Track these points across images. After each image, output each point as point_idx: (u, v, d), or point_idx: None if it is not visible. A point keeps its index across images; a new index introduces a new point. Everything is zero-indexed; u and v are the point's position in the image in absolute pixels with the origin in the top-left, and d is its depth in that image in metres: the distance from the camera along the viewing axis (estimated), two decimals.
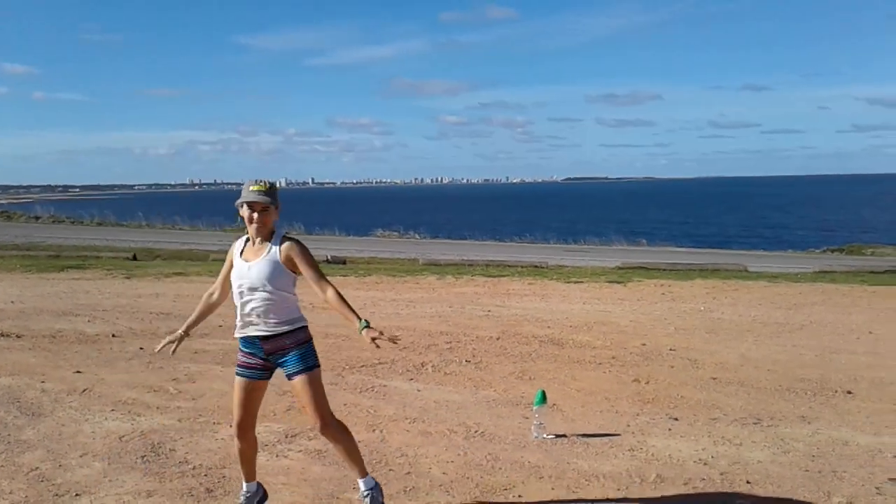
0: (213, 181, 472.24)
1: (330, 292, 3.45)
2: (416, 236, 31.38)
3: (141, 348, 7.46)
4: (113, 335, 8.05)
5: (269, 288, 3.46)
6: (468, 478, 4.36)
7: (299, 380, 3.51)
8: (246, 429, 3.63)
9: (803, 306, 11.38)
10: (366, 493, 3.73)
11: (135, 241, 21.54)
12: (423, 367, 7.08)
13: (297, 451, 4.74)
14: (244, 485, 3.83)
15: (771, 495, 4.16)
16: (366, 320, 3.39)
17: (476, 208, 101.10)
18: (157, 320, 8.97)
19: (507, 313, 10.21)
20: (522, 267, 16.77)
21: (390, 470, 4.46)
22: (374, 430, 5.17)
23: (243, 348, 3.59)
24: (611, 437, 5.13)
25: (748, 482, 4.33)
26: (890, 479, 4.46)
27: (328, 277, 3.53)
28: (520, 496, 4.11)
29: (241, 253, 3.57)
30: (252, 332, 3.53)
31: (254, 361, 3.56)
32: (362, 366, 7.03)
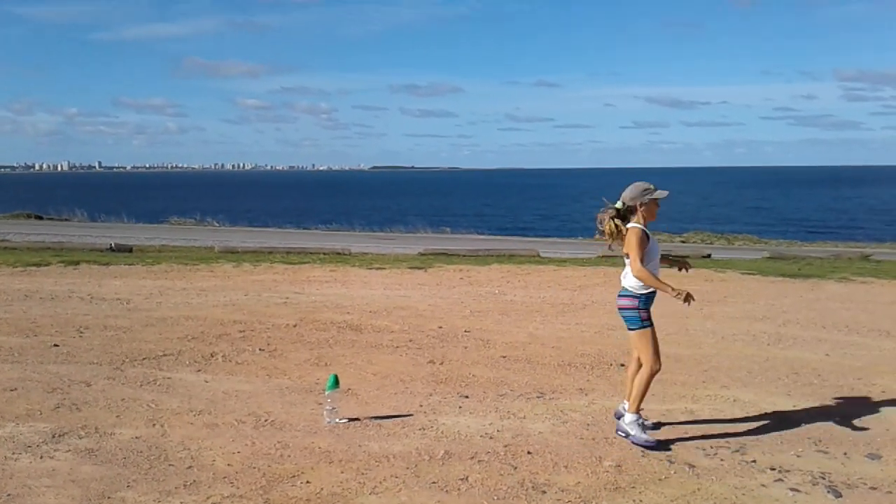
0: None
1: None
2: (215, 223, 30.08)
3: None
4: None
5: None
6: (255, 467, 4.21)
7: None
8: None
9: (587, 287, 12.21)
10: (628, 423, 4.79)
11: None
12: (212, 357, 6.76)
13: (66, 451, 4.34)
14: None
15: (549, 463, 4.40)
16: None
17: (280, 195, 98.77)
18: None
19: (305, 300, 10.03)
20: (325, 254, 16.57)
21: (170, 465, 4.20)
22: (154, 425, 4.85)
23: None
24: (403, 418, 5.18)
25: (529, 452, 4.55)
26: None
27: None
28: (308, 482, 4.03)
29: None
30: None
31: None
32: (144, 358, 6.57)
